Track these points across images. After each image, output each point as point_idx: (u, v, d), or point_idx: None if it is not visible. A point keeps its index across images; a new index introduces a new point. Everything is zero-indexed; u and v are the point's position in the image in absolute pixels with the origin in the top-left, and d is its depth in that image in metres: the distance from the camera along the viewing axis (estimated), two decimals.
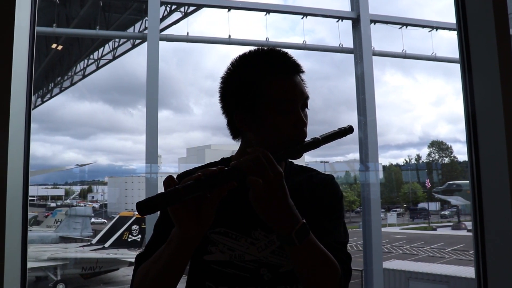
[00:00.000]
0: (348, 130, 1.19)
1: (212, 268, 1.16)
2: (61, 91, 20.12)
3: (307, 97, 1.17)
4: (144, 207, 0.88)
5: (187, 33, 7.79)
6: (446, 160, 34.85)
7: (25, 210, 1.55)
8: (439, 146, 35.70)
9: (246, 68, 1.17)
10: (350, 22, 7.67)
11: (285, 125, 1.12)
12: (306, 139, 1.14)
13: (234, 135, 1.24)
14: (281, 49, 1.19)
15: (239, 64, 1.19)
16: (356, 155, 7.59)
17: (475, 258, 1.59)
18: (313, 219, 1.13)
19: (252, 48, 1.21)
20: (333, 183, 1.28)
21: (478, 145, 1.55)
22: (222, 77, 1.21)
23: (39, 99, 20.81)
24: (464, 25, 1.58)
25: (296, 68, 1.17)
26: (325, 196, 1.23)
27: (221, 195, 0.98)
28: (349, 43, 7.95)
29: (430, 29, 8.52)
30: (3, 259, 1.38)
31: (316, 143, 1.14)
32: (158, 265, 1.03)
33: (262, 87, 1.13)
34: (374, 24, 7.75)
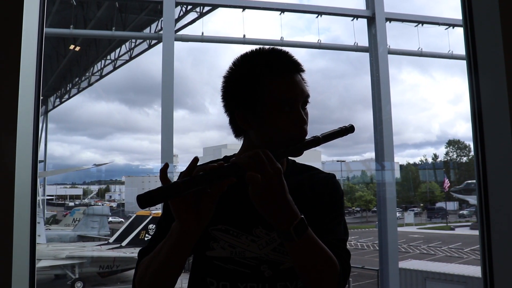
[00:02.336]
0: (349, 129, 1.20)
1: (214, 264, 1.17)
2: (78, 92, 20.39)
3: (307, 96, 1.18)
4: (144, 200, 0.90)
5: (202, 33, 7.83)
6: (465, 159, 34.41)
7: (33, 210, 1.56)
8: (457, 145, 35.27)
9: (248, 67, 1.18)
10: (365, 20, 7.63)
11: (285, 123, 1.13)
12: (306, 137, 1.15)
13: (236, 133, 1.25)
14: (282, 48, 1.20)
15: (240, 63, 1.20)
16: (373, 154, 7.55)
17: (482, 258, 1.58)
18: (314, 217, 1.15)
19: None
20: (334, 181, 1.28)
21: (485, 144, 1.54)
22: (224, 76, 1.22)
23: (58, 100, 21.12)
24: (470, 23, 1.57)
25: (296, 67, 1.18)
26: (326, 195, 1.23)
27: (221, 191, 0.99)
28: (364, 41, 7.91)
29: (447, 26, 8.41)
30: (11, 259, 1.40)
31: (316, 141, 1.15)
32: (158, 259, 1.05)
33: (263, 86, 1.14)
34: (390, 22, 7.69)
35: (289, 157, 1.24)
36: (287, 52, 1.19)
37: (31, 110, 1.57)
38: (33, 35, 1.59)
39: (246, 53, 1.21)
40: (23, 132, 1.48)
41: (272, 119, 1.13)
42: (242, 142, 1.27)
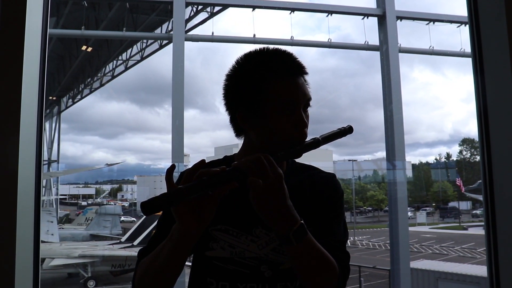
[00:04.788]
0: (348, 130, 1.21)
1: (214, 264, 1.17)
2: (91, 92, 20.57)
3: (309, 99, 1.17)
4: (148, 207, 0.91)
5: (212, 33, 7.85)
6: (478, 158, 33.99)
7: (37, 210, 1.57)
8: (471, 143, 34.90)
9: (251, 67, 1.17)
10: (376, 19, 7.59)
11: (286, 125, 1.13)
12: (306, 139, 1.15)
13: (237, 132, 1.25)
14: (286, 49, 1.19)
15: (243, 63, 1.20)
16: (385, 154, 7.49)
17: (487, 258, 1.57)
18: (313, 217, 1.15)
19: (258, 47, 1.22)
20: (334, 181, 1.28)
21: (490, 143, 1.53)
22: (226, 75, 1.22)
23: (70, 100, 21.34)
24: (475, 21, 1.56)
25: (300, 69, 1.17)
26: (325, 194, 1.23)
27: (222, 194, 1.00)
28: (375, 39, 7.87)
29: (458, 24, 8.32)
30: (14, 260, 1.41)
31: (316, 143, 1.14)
32: (159, 260, 1.06)
33: (265, 87, 1.13)
34: (400, 20, 7.63)
35: None
36: (291, 54, 1.18)
37: (35, 110, 1.58)
38: (36, 35, 1.59)
39: (250, 52, 1.20)
40: (26, 132, 1.49)
41: (272, 121, 1.13)
42: (242, 141, 1.26)
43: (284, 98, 1.13)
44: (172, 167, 1.00)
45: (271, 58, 1.17)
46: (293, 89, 1.14)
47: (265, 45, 1.20)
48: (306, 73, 1.19)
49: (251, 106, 1.15)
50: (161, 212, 1.21)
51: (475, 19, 1.58)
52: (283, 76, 1.14)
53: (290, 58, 1.17)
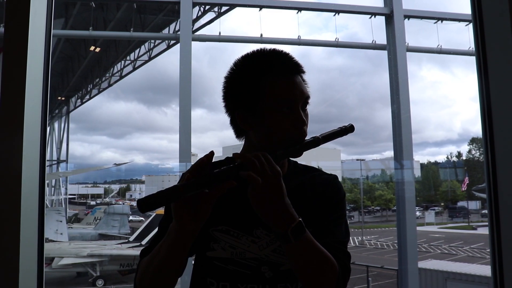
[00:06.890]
0: (349, 129, 1.21)
1: (214, 264, 1.18)
2: (99, 92, 20.69)
3: (307, 97, 1.18)
4: (144, 204, 0.92)
5: (219, 33, 7.86)
6: None
7: (41, 211, 1.58)
8: (480, 142, 34.63)
9: (248, 68, 1.19)
10: (383, 17, 7.56)
11: (285, 124, 1.13)
12: (306, 138, 1.16)
13: (237, 134, 1.26)
14: (283, 50, 1.21)
15: (241, 64, 1.21)
16: (393, 153, 7.46)
17: (491, 257, 1.56)
18: (315, 218, 1.16)
19: (255, 48, 1.23)
20: (336, 183, 1.28)
21: (494, 143, 1.52)
22: (225, 77, 1.23)
23: (79, 100, 21.48)
24: (479, 18, 1.56)
25: (297, 68, 1.19)
26: (327, 196, 1.23)
27: (220, 193, 1.01)
28: (382, 38, 7.83)
29: (467, 22, 8.25)
30: (18, 260, 1.42)
31: (316, 142, 1.15)
32: (157, 258, 1.07)
33: (263, 87, 1.14)
34: (408, 19, 7.60)
35: (291, 158, 1.25)
36: (288, 53, 1.20)
37: (39, 111, 1.59)
38: (40, 36, 1.61)
39: (247, 53, 1.22)
40: (30, 133, 1.50)
41: (271, 120, 1.14)
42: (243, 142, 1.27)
43: (282, 97, 1.14)
44: (211, 153, 1.02)
45: (268, 58, 1.18)
46: (291, 87, 1.15)
47: (263, 46, 1.21)
48: (304, 72, 1.21)
49: (249, 106, 1.17)
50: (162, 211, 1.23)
51: (479, 16, 1.58)
52: (280, 75, 1.15)
53: (286, 58, 1.19)
